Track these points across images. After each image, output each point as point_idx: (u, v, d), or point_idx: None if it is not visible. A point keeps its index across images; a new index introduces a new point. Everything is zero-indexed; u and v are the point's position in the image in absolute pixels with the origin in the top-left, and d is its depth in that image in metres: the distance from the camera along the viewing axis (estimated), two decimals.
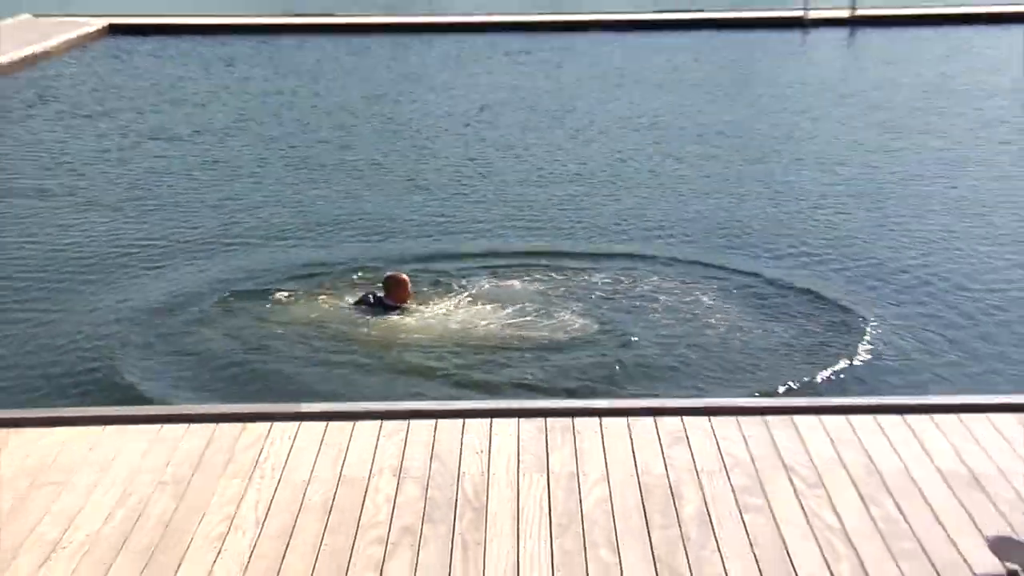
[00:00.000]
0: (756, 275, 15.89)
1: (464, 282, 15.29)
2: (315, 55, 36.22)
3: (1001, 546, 7.45)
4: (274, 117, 27.25)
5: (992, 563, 7.56)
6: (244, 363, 13.20)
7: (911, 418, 9.55)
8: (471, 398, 11.47)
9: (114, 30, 39.71)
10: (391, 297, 14.24)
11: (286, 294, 15.02)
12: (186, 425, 9.56)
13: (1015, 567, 7.28)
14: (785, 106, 28.34)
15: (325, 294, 14.96)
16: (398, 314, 14.03)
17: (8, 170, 22.09)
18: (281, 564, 7.64)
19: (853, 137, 24.66)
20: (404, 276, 14.43)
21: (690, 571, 7.49)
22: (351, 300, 14.57)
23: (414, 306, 14.21)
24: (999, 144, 23.31)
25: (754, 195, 20.38)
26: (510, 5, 47.17)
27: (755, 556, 7.65)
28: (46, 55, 34.72)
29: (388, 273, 14.63)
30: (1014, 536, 7.58)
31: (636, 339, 13.72)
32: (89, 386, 12.76)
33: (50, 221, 18.92)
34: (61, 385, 12.82)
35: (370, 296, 14.36)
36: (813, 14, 40.33)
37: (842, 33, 38.93)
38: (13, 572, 7.59)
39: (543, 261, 16.37)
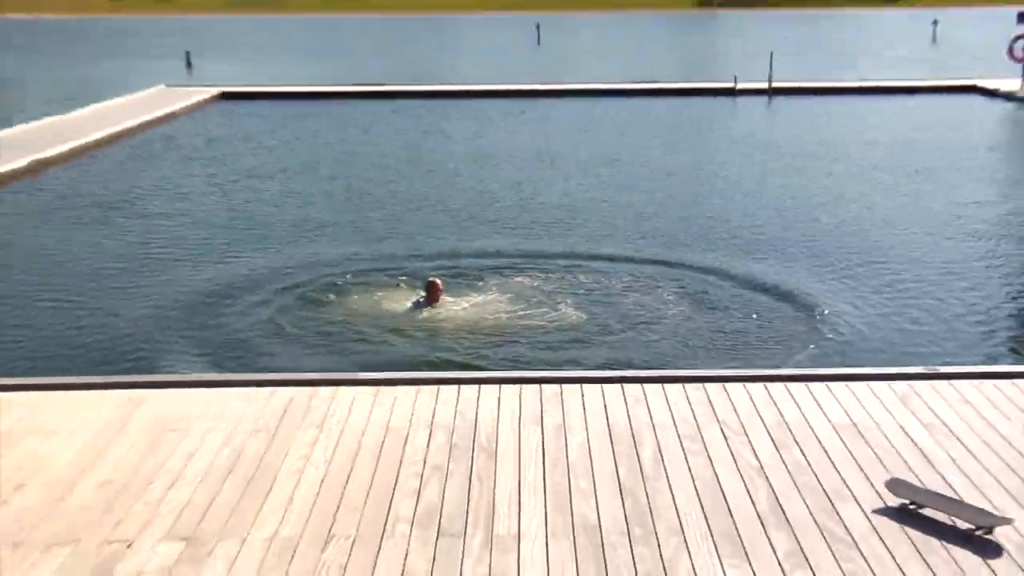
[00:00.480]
0: (700, 274, 15.85)
1: (480, 282, 15.29)
2: (369, 113, 36.33)
3: (894, 486, 7.47)
4: (337, 160, 27.27)
5: (871, 491, 7.59)
6: (317, 342, 13.21)
7: (812, 384, 9.57)
8: (485, 370, 11.45)
9: (224, 96, 39.99)
10: (429, 297, 14.21)
11: (349, 291, 15.02)
12: (273, 388, 9.61)
13: (904, 501, 7.33)
14: (719, 151, 28.39)
15: (380, 291, 14.95)
16: (431, 308, 14.03)
17: (143, 199, 22.17)
18: (344, 490, 7.68)
19: (767, 174, 24.78)
20: (437, 280, 14.37)
21: (647, 498, 7.52)
22: (402, 299, 14.52)
23: (447, 301, 14.22)
24: (873, 182, 23.35)
25: (697, 214, 20.43)
26: (510, 77, 47.31)
27: (695, 487, 7.68)
28: (174, 115, 34.90)
29: (428, 278, 14.58)
30: (903, 479, 7.59)
31: (610, 324, 13.68)
32: (211, 353, 12.84)
33: (175, 234, 18.99)
34: (190, 353, 12.88)
35: (417, 299, 14.34)
36: (741, 85, 40.31)
37: (762, 99, 38.94)
38: (149, 494, 7.64)
39: (538, 264, 16.36)
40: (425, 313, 13.93)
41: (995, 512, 7.14)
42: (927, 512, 7.20)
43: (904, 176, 24.18)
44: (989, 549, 6.81)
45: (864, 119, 33.60)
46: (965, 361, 11.93)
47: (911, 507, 7.27)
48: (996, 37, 46.94)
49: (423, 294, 14.32)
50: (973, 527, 6.99)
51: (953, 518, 7.10)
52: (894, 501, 7.36)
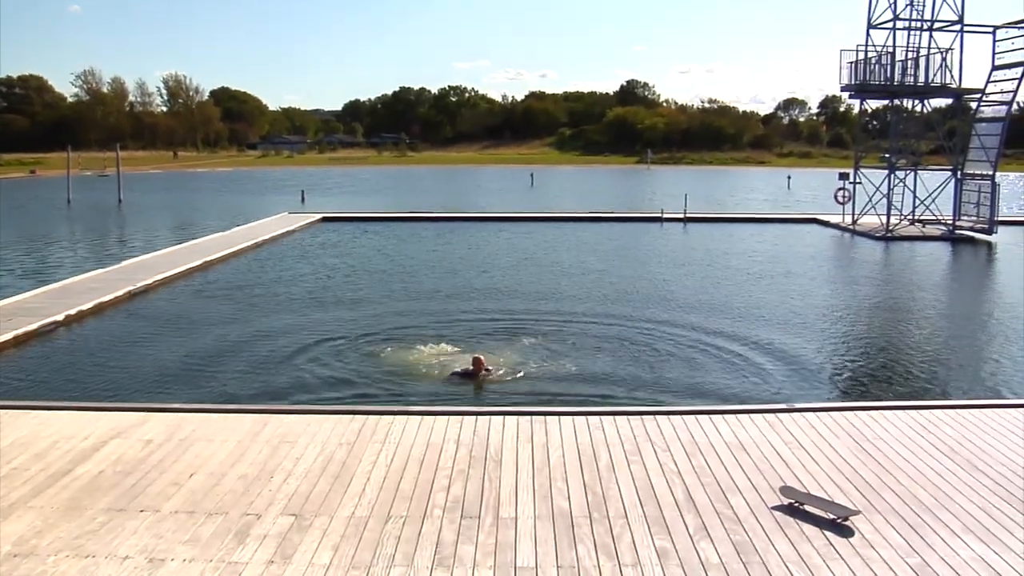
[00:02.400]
0: (624, 340, 15.73)
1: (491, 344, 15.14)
2: (429, 231, 36.51)
3: (785, 491, 7.37)
4: (401, 264, 27.32)
5: (751, 487, 7.52)
6: (377, 383, 13.08)
7: (712, 416, 9.55)
8: (494, 406, 11.32)
9: (325, 219, 40.17)
10: (473, 369, 12.71)
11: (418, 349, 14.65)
12: (352, 416, 9.58)
13: (792, 500, 7.22)
14: (648, 262, 28.36)
15: (435, 354, 14.39)
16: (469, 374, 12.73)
17: (273, 281, 22.13)
18: (398, 485, 7.64)
19: (684, 277, 24.77)
20: (481, 358, 12.88)
21: (602, 492, 7.48)
22: (454, 368, 13.21)
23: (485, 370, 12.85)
24: (762, 283, 23.37)
25: (631, 306, 20.26)
26: (512, 207, 47.66)
27: (635, 485, 7.63)
28: (292, 232, 35.06)
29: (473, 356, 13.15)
30: (791, 486, 7.47)
31: (575, 372, 13.34)
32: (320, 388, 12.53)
33: (289, 308, 18.87)
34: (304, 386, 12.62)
35: (462, 369, 12.88)
36: (666, 215, 40.57)
37: (680, 225, 39.16)
38: (271, 484, 7.55)
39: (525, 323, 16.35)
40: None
41: (848, 507, 7.08)
42: (808, 508, 7.09)
43: (767, 274, 24.28)
44: (845, 530, 6.76)
45: (743, 239, 33.75)
46: (810, 399, 11.82)
47: (796, 504, 7.16)
48: (828, 188, 47.33)
49: (469, 367, 12.83)
50: (835, 516, 6.89)
51: (822, 510, 7.01)
52: (785, 500, 7.25)
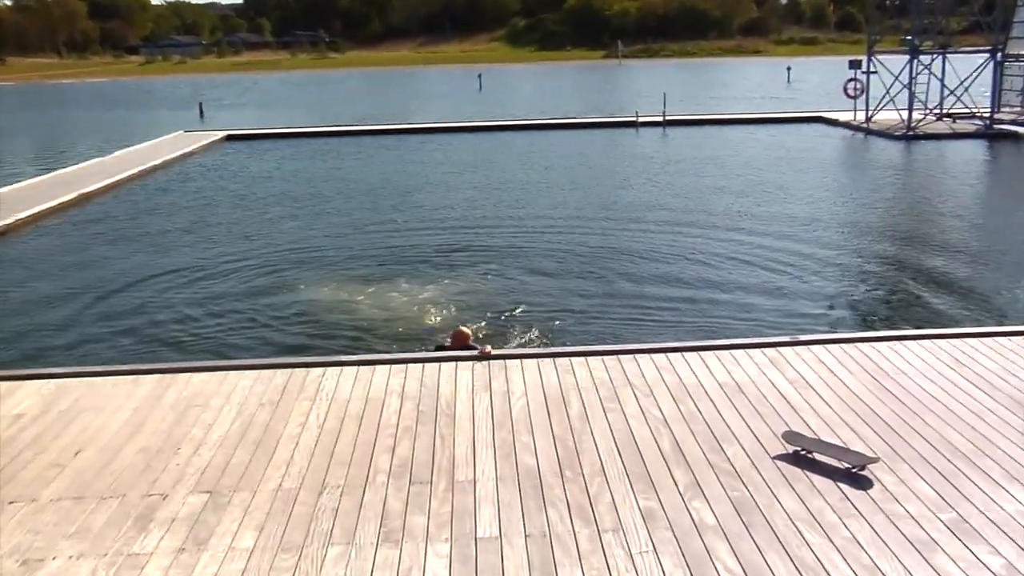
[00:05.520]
0: (591, 267, 15.87)
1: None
2: (353, 146, 36.02)
3: (789, 437, 7.45)
4: (325, 189, 26.97)
5: (750, 434, 7.64)
6: (311, 331, 13.09)
7: (702, 353, 9.61)
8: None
9: (230, 138, 39.56)
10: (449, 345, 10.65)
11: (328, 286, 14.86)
12: (275, 370, 9.50)
13: (798, 448, 7.32)
14: (625, 168, 28.48)
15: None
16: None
17: (167, 214, 21.83)
18: (333, 448, 7.62)
19: (662, 181, 24.92)
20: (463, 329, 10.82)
21: (575, 446, 7.53)
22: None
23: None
24: (753, 197, 23.50)
25: (605, 214, 20.55)
26: (458, 116, 47.21)
27: (613, 437, 7.69)
28: (191, 154, 34.44)
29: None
30: (797, 431, 7.56)
31: (537, 312, 13.45)
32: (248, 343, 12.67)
33: (197, 244, 18.70)
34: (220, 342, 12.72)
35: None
36: (641, 119, 40.54)
37: (658, 130, 39.13)
38: (178, 457, 7.54)
39: (487, 258, 16.53)
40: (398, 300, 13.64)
41: (866, 454, 7.16)
42: (818, 456, 7.17)
43: (759, 185, 24.41)
44: (862, 481, 6.84)
45: (733, 143, 33.83)
46: (817, 331, 12.01)
47: (803, 452, 7.24)
48: (836, 80, 47.51)
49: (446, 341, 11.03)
50: (851, 465, 6.98)
51: (835, 459, 7.10)
52: (789, 448, 7.34)
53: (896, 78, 34.73)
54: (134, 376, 9.52)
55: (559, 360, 9.54)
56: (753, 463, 7.18)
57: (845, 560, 5.85)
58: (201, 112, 54.90)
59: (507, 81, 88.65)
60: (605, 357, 9.60)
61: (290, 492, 6.93)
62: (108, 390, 9.16)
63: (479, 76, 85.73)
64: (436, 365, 9.47)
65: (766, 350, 9.68)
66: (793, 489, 6.76)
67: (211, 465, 7.43)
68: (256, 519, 6.57)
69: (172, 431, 8.12)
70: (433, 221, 20.79)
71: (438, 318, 13.23)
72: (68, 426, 8.33)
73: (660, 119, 40.51)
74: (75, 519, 6.68)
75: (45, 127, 53.51)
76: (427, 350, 10.78)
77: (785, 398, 8.45)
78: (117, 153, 33.80)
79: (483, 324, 12.66)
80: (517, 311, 13.50)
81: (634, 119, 40.81)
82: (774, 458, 7.24)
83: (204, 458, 7.56)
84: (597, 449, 7.48)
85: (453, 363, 9.51)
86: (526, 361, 9.54)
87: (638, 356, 9.60)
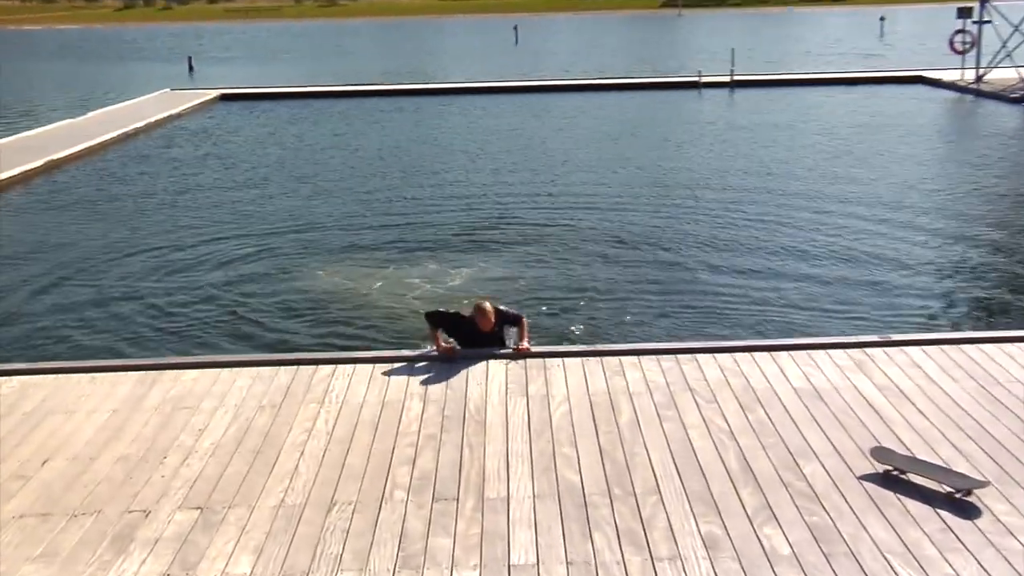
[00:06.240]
0: (660, 248, 15.93)
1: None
2: (365, 107, 36.23)
3: (879, 454, 7.40)
4: (327, 150, 27.12)
5: (831, 450, 7.60)
6: (318, 323, 13.18)
7: (775, 354, 9.58)
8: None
9: (224, 98, 39.95)
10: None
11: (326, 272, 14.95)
12: (276, 368, 9.58)
13: (889, 467, 7.27)
14: (687, 135, 28.46)
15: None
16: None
17: (150, 186, 22.07)
18: (344, 460, 7.67)
19: (729, 152, 24.91)
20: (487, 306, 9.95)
21: (625, 460, 7.53)
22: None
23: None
24: (812, 156, 23.46)
25: (658, 192, 20.61)
26: (492, 75, 47.18)
27: (670, 449, 7.69)
28: (179, 115, 34.82)
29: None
30: (889, 447, 7.52)
31: (581, 304, 13.56)
32: (229, 335, 12.84)
33: (172, 216, 18.99)
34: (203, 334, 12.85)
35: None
36: (705, 79, 40.37)
37: (724, 92, 38.94)
38: (163, 468, 7.62)
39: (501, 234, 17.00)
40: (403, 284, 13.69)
41: (972, 476, 7.07)
42: (913, 478, 7.10)
43: (850, 155, 24.33)
44: (968, 509, 6.75)
45: (814, 108, 33.61)
46: (913, 329, 11.94)
47: (895, 472, 7.19)
48: (940, 32, 46.98)
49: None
50: (953, 489, 6.89)
51: (934, 481, 7.02)
52: (879, 467, 7.29)
53: (1016, 28, 34.18)
54: (112, 373, 9.62)
55: (607, 359, 9.54)
56: (835, 484, 7.15)
57: None
58: (190, 67, 55.39)
59: (547, 33, 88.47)
60: (661, 356, 9.58)
61: (293, 509, 6.99)
62: (81, 389, 9.26)
63: (515, 27, 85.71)
64: (464, 364, 9.51)
65: (851, 351, 9.63)
66: (883, 515, 6.72)
67: (201, 477, 7.50)
68: (254, 540, 6.64)
69: (156, 437, 8.21)
70: (460, 199, 20.87)
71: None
72: (33, 431, 8.42)
73: (727, 79, 40.28)
74: (41, 539, 6.73)
75: (2, 80, 53.94)
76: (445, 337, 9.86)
77: (874, 408, 8.40)
78: (91, 114, 34.19)
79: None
80: (561, 301, 13.55)
81: (696, 79, 40.60)
82: (860, 478, 7.21)
83: (194, 469, 7.64)
84: (651, 464, 7.48)
85: (484, 361, 9.54)
86: (569, 360, 9.55)
87: (699, 356, 9.58)
